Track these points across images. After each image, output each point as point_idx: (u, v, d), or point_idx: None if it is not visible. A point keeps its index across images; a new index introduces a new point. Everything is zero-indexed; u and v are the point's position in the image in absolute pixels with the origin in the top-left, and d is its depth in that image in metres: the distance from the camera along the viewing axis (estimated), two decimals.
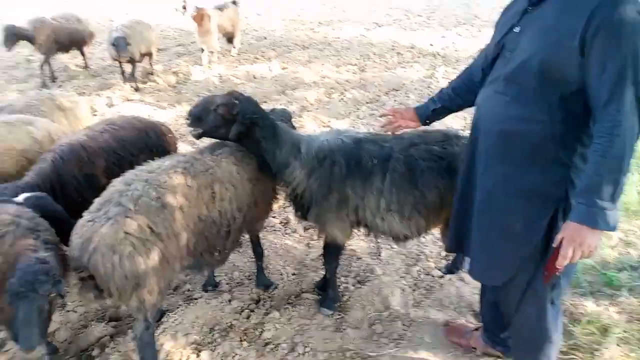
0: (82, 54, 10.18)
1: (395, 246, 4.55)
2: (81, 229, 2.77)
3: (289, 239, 4.84)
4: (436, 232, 4.13)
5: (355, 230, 3.74)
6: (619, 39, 2.02)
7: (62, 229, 3.21)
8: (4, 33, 8.40)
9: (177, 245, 2.92)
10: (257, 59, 11.29)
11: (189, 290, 4.12)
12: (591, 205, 2.11)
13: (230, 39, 11.32)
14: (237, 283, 4.22)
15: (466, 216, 2.75)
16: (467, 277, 4.20)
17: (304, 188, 3.37)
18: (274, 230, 4.97)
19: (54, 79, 9.54)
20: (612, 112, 2.06)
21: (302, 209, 3.50)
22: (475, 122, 2.69)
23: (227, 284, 4.19)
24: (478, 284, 3.51)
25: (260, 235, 4.12)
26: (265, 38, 13.38)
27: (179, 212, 2.92)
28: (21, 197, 3.19)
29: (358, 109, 8.37)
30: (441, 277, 4.30)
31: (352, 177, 3.29)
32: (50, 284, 2.56)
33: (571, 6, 2.13)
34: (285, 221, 5.16)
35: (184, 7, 9.77)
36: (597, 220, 2.11)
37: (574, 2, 2.13)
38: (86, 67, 10.36)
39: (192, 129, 3.33)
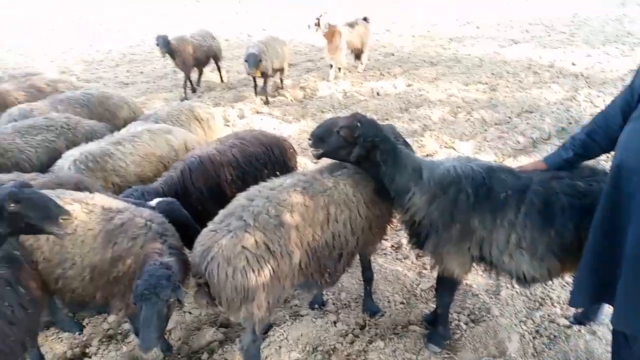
0: (218, 68, 10.99)
1: (517, 286, 4.16)
2: (204, 237, 2.94)
3: (399, 264, 4.67)
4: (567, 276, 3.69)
5: (475, 266, 3.48)
6: None
7: (187, 234, 3.43)
8: (159, 40, 9.32)
9: (290, 263, 2.96)
10: (383, 75, 11.26)
11: (296, 305, 4.16)
12: None
13: (358, 55, 11.45)
14: (344, 305, 4.16)
15: (610, 262, 2.48)
16: (600, 331, 3.70)
17: (423, 216, 3.20)
18: (385, 253, 4.83)
19: (194, 90, 10.43)
20: None
21: (419, 237, 3.33)
22: (619, 161, 2.41)
23: (333, 304, 4.16)
24: (611, 339, 3.05)
25: (371, 258, 4.03)
26: (393, 54, 13.32)
27: (294, 231, 2.96)
28: (154, 202, 3.47)
29: (485, 130, 7.90)
30: (568, 326, 3.83)
31: (480, 208, 3.04)
32: (171, 290, 2.73)
33: None
34: (397, 245, 5.00)
35: (317, 24, 10.08)
36: None
37: None
38: (222, 80, 11.16)
39: (313, 149, 3.35)
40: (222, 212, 3.08)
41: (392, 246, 5.00)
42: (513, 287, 4.23)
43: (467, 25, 17.61)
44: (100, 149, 4.47)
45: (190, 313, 4.08)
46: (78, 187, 3.62)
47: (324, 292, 4.18)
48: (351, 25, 10.93)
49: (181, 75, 10.60)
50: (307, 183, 3.19)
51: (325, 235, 3.12)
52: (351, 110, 8.81)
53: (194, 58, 9.87)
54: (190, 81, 10.25)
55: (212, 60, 10.61)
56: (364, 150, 3.15)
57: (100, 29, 17.93)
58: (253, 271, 2.81)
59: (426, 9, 21.43)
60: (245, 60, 8.78)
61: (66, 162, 4.37)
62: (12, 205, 2.73)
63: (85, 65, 13.04)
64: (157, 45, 9.33)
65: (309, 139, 3.35)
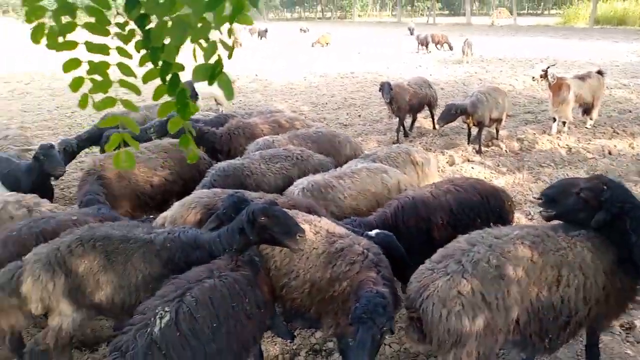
0: (432, 115, 11.20)
1: None
2: (420, 275, 3.05)
3: (630, 348, 4.02)
4: None
5: None
6: None
7: (398, 267, 3.58)
8: (383, 87, 9.94)
9: (505, 318, 2.85)
10: (617, 133, 10.04)
11: None
12: None
13: (587, 110, 10.46)
14: None
15: None
16: None
17: None
18: (612, 332, 4.20)
19: (406, 134, 10.82)
20: None
21: None
22: None
23: None
24: None
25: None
26: (630, 111, 11.80)
27: (515, 286, 2.86)
28: (374, 232, 3.71)
29: None
30: None
31: None
32: (385, 319, 2.87)
33: None
34: (628, 325, 4.31)
35: (543, 76, 9.59)
36: None
37: None
38: (434, 127, 11.33)
39: (543, 209, 3.19)
40: (440, 252, 3.14)
41: (622, 325, 4.32)
42: None
43: None
44: (325, 181, 4.99)
45: (390, 346, 4.17)
46: (309, 210, 4.09)
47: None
48: (582, 78, 10.11)
49: (395, 120, 11.16)
50: (538, 238, 3.04)
51: (553, 298, 2.92)
52: (576, 168, 8.07)
53: (409, 105, 10.29)
54: (404, 126, 10.68)
55: (425, 107, 10.93)
56: (609, 215, 2.88)
57: (325, 77, 20.02)
58: (467, 318, 2.79)
59: None
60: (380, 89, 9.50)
61: (296, 189, 4.99)
62: (263, 218, 3.25)
63: (312, 106, 14.68)
64: (380, 91, 10.01)
65: (539, 198, 3.21)
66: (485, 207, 4.39)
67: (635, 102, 12.72)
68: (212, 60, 1.72)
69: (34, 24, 1.75)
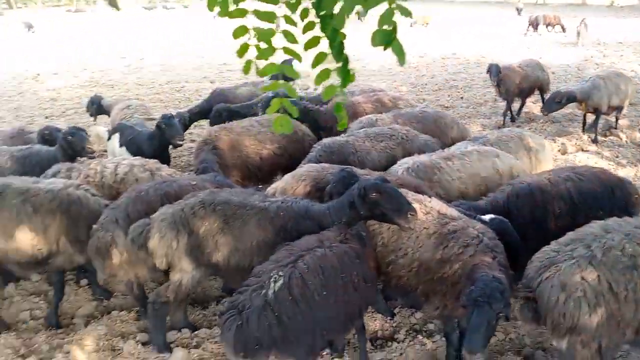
0: (543, 99, 10.49)
1: None
2: (544, 255, 2.97)
3: None
4: None
5: None
6: None
7: (513, 254, 3.44)
8: (491, 69, 9.52)
9: (635, 312, 2.68)
10: None
11: None
12: None
13: None
14: None
15: None
16: None
17: None
18: None
19: (513, 119, 10.26)
20: None
21: None
22: None
23: None
24: None
25: None
26: None
27: None
28: (487, 217, 3.60)
29: None
30: None
31: None
32: (502, 304, 2.80)
33: None
34: None
35: None
36: None
37: None
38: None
39: None
40: (569, 235, 3.03)
41: None
42: None
43: None
44: (431, 162, 4.90)
45: (494, 336, 4.06)
46: (417, 190, 4.05)
47: None
48: None
49: (501, 103, 10.61)
50: None
51: None
52: None
53: (519, 88, 9.73)
54: (511, 110, 10.14)
55: (537, 91, 10.27)
56: None
57: (425, 58, 19.44)
58: (588, 305, 2.67)
59: None
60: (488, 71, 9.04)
61: (400, 168, 4.94)
62: (374, 194, 3.27)
63: (411, 87, 14.38)
64: (488, 72, 9.57)
65: None
66: (610, 199, 4.07)
67: None
68: (388, 27, 1.77)
69: None
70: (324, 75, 2.02)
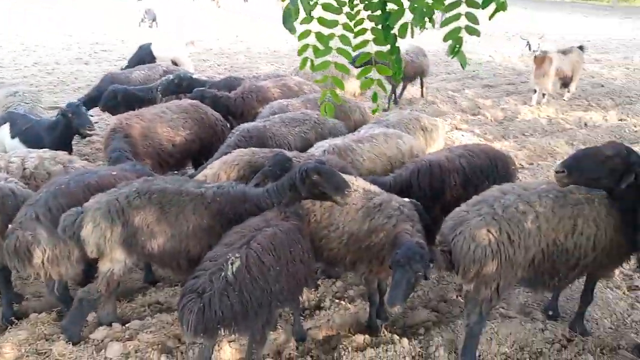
0: (421, 83, 11.63)
1: None
2: (456, 215, 3.61)
3: (610, 293, 4.70)
4: None
5: None
6: None
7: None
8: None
9: (524, 256, 3.43)
10: (591, 106, 10.78)
11: (503, 308, 4.51)
12: None
13: (565, 83, 11.13)
14: (550, 316, 4.39)
15: None
16: None
17: None
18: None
19: (396, 102, 11.24)
20: None
21: None
22: None
23: (541, 314, 4.42)
24: None
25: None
26: (602, 86, 12.58)
27: (536, 230, 3.41)
28: (406, 200, 4.11)
29: None
30: None
31: None
32: (421, 265, 3.30)
33: None
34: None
35: (529, 47, 10.22)
36: None
37: None
38: (422, 95, 11.77)
39: (561, 177, 3.50)
40: (475, 198, 3.71)
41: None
42: None
43: None
44: (345, 144, 5.37)
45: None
46: (342, 170, 4.47)
47: (531, 302, 4.47)
48: (564, 52, 10.71)
49: (387, 87, 11.53)
50: (561, 193, 3.57)
51: (567, 243, 3.49)
52: (557, 138, 8.73)
53: (404, 73, 10.66)
54: (395, 93, 11.08)
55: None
56: (634, 176, 3.34)
57: None
58: (492, 252, 3.35)
59: None
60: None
61: (317, 151, 5.34)
62: (315, 176, 3.64)
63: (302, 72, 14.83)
64: None
65: (560, 171, 3.48)
66: (494, 171, 4.90)
67: (606, 77, 13.51)
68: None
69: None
70: (366, 70, 2.74)
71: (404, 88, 11.49)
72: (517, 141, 8.66)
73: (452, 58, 2.55)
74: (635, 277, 4.86)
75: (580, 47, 11.02)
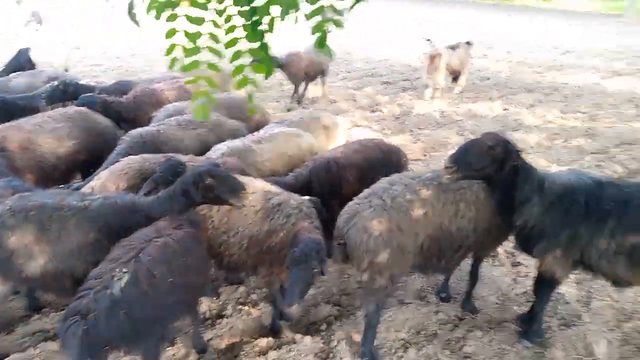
0: (323, 83, 11.83)
1: (607, 298, 4.51)
2: (350, 208, 3.71)
3: (495, 270, 5.12)
4: None
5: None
6: None
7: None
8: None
9: (414, 242, 3.63)
10: (479, 98, 11.61)
11: (401, 294, 4.73)
12: None
13: (455, 77, 11.89)
14: (443, 299, 4.67)
15: None
16: None
17: (539, 222, 3.68)
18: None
19: (299, 101, 11.34)
20: None
21: (527, 243, 3.82)
22: None
23: (435, 297, 4.69)
24: None
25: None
26: (489, 79, 13.59)
27: (423, 217, 3.62)
28: (305, 198, 4.15)
29: (582, 157, 8.08)
30: None
31: (588, 218, 3.51)
32: (317, 261, 3.38)
33: None
34: (493, 254, 5.42)
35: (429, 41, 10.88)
36: None
37: None
38: (324, 94, 11.97)
39: (451, 173, 3.63)
40: (366, 191, 3.83)
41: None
42: (603, 299, 4.55)
43: (567, 55, 17.40)
44: (244, 145, 5.31)
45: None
46: (242, 173, 4.42)
47: (426, 287, 4.72)
48: (453, 47, 11.41)
49: (288, 87, 11.57)
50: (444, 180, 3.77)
51: (451, 227, 3.72)
52: (449, 129, 9.30)
53: (305, 72, 10.78)
54: (298, 93, 11.18)
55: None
56: (508, 164, 3.61)
57: None
58: (383, 240, 3.50)
59: (524, 36, 21.31)
60: None
61: (214, 154, 5.24)
62: (209, 179, 3.56)
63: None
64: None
65: (449, 166, 3.61)
66: (387, 164, 5.10)
67: (493, 71, 14.62)
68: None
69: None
70: (240, 69, 2.64)
71: (305, 88, 11.61)
72: (412, 134, 9.12)
73: (319, 50, 2.62)
74: (517, 254, 5.30)
75: (468, 42, 11.80)
